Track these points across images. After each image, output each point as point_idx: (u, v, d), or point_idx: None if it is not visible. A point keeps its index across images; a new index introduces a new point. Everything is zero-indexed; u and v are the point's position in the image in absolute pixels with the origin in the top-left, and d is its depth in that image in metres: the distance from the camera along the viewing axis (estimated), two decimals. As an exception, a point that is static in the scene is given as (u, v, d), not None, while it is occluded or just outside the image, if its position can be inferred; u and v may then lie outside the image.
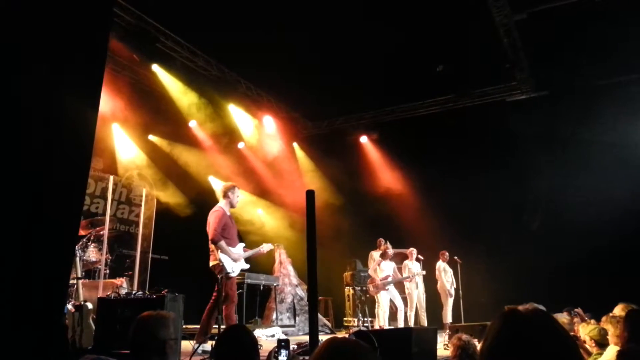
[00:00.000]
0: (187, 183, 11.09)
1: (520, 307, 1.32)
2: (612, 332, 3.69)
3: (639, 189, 8.97)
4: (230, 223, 5.94)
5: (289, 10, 7.62)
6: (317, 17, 7.90)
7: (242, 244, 6.08)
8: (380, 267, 9.09)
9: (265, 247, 6.25)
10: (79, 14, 2.48)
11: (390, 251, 9.20)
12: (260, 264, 9.67)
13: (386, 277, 9.01)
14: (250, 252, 6.10)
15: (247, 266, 6.07)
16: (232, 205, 6.04)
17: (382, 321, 8.84)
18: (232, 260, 5.73)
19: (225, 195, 6.01)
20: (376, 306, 9.07)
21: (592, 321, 6.08)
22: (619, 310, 4.06)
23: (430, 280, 10.02)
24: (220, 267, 5.65)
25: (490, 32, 8.63)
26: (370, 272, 9.36)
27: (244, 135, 12.09)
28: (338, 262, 11.08)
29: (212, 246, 5.77)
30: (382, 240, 9.55)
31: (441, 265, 9.97)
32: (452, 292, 9.89)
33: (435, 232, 10.53)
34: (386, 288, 8.96)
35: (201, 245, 10.85)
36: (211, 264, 5.80)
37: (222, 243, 5.67)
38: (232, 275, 5.76)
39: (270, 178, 11.89)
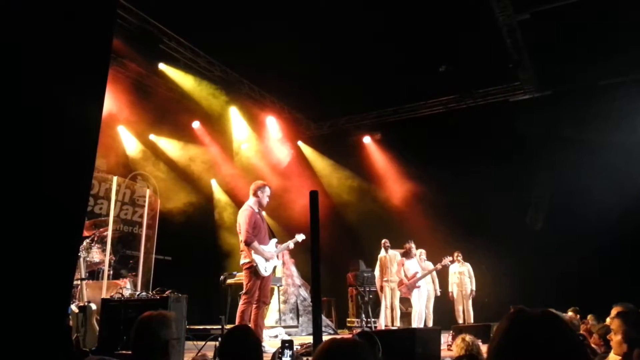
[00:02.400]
0: (190, 183, 11.12)
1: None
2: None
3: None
4: (260, 221, 5.91)
5: (292, 11, 7.63)
6: (319, 17, 7.90)
7: (274, 240, 6.06)
8: (406, 266, 8.98)
9: (299, 238, 6.24)
10: (82, 15, 2.49)
11: (414, 250, 9.11)
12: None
13: (414, 275, 8.89)
14: (282, 247, 6.12)
15: (279, 262, 6.05)
16: (260, 204, 5.97)
17: (415, 323, 8.74)
18: (265, 260, 5.73)
19: (255, 194, 5.96)
20: (382, 307, 9.04)
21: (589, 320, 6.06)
22: (614, 313, 4.03)
23: (440, 283, 10.04)
24: (251, 265, 5.65)
25: (493, 32, 8.61)
26: (396, 274, 9.12)
27: (247, 136, 12.10)
28: (341, 263, 11.07)
29: (243, 245, 5.76)
30: (386, 241, 9.51)
31: (452, 268, 10.05)
32: (459, 294, 9.95)
33: (439, 232, 10.50)
34: (417, 285, 8.84)
35: (204, 246, 10.96)
36: (242, 261, 5.79)
37: (255, 244, 5.66)
38: (265, 274, 5.74)
39: (273, 178, 11.88)
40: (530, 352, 1.21)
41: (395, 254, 9.29)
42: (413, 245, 9.18)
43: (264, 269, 5.70)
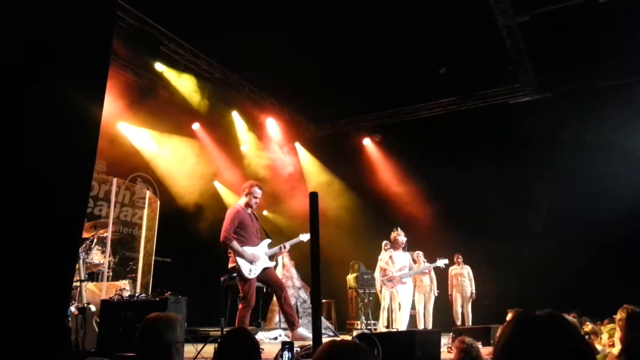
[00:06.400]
0: (190, 185, 11.10)
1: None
2: (618, 335, 3.66)
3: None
4: (249, 220, 5.72)
5: (292, 13, 7.64)
6: (319, 20, 7.91)
7: (268, 241, 5.84)
8: (393, 258, 8.29)
9: (303, 237, 5.90)
10: (82, 15, 2.49)
11: (402, 238, 8.36)
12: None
13: (402, 268, 8.16)
14: (276, 248, 5.84)
15: (271, 264, 5.78)
16: (247, 205, 5.79)
17: (398, 323, 8.03)
18: (248, 262, 5.51)
19: (244, 194, 5.83)
20: (381, 308, 8.97)
21: (588, 323, 6.06)
22: (620, 314, 4.03)
23: (439, 284, 10.03)
24: (238, 269, 5.47)
25: (493, 34, 8.63)
26: (382, 264, 8.35)
27: (247, 137, 12.11)
28: (341, 265, 11.06)
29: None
30: (388, 243, 9.50)
31: (452, 270, 10.03)
32: (457, 297, 9.95)
33: (439, 234, 10.51)
34: (403, 281, 8.15)
35: (204, 248, 10.94)
36: (230, 265, 5.63)
37: (234, 244, 5.47)
38: (250, 277, 5.51)
39: (273, 180, 11.88)
40: (537, 354, 1.20)
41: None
42: (401, 233, 8.35)
43: (248, 270, 5.49)
